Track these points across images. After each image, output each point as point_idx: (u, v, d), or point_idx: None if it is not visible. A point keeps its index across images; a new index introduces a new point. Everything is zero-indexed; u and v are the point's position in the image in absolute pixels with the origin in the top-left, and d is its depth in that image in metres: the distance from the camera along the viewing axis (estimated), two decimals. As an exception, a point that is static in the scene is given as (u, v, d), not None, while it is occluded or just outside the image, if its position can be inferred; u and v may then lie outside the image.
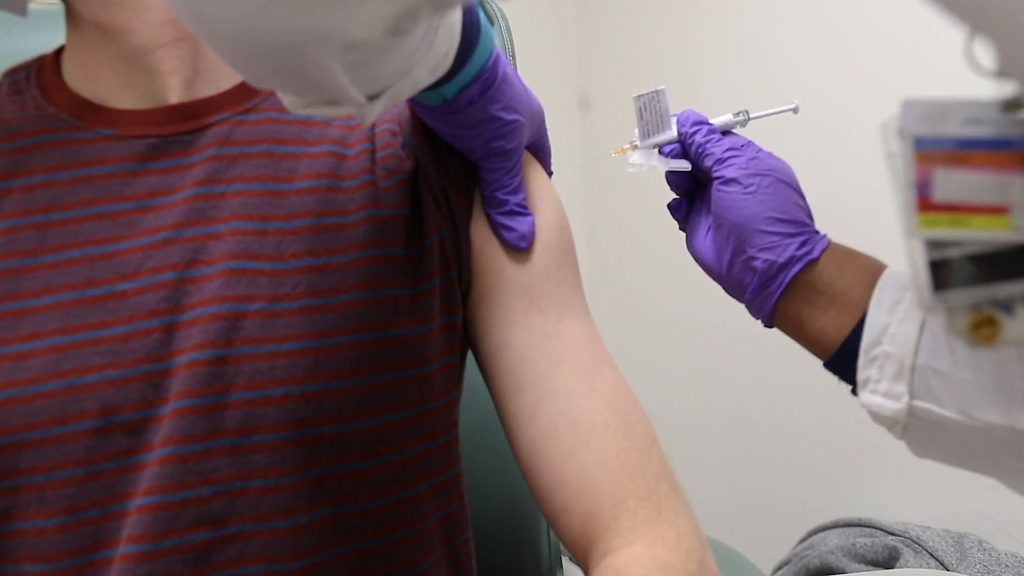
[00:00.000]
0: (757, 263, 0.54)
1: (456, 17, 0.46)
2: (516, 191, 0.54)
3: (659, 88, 0.60)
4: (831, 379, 0.55)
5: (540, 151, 0.59)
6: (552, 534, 0.86)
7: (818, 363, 0.55)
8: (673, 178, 0.63)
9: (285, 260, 0.48)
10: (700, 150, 0.58)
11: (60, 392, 0.44)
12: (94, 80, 0.53)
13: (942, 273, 0.37)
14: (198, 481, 0.44)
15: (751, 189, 0.54)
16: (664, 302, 1.66)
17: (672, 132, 0.60)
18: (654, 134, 0.61)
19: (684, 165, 0.60)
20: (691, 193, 0.63)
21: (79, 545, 0.44)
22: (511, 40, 0.84)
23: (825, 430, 1.38)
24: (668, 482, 0.50)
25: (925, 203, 0.36)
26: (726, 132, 0.60)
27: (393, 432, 0.49)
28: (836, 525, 1.25)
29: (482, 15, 0.50)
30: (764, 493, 1.52)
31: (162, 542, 0.44)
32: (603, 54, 1.81)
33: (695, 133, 0.58)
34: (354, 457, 0.48)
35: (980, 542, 1.10)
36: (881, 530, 1.18)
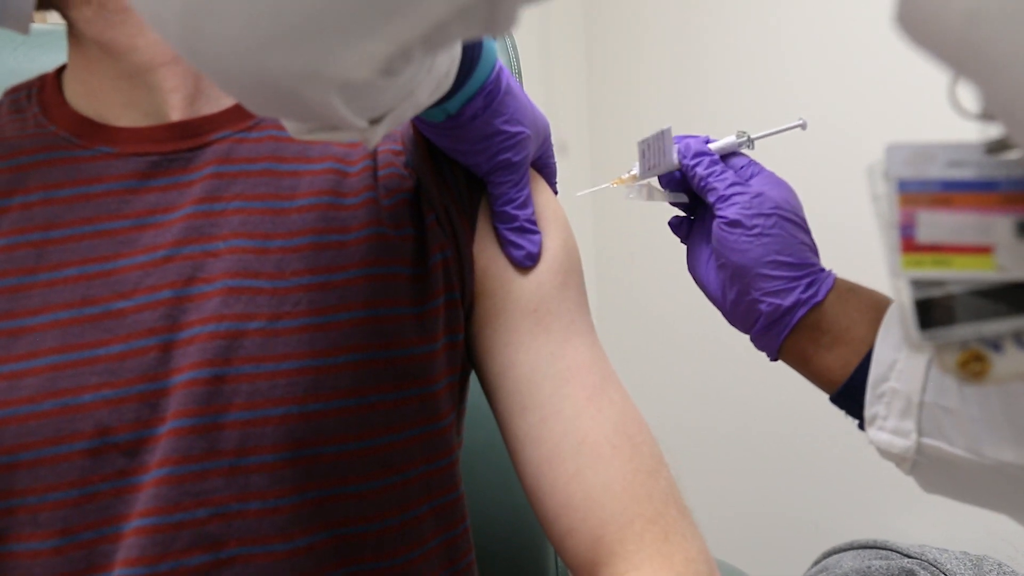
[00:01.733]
0: (762, 306, 0.54)
1: None
2: (525, 205, 0.54)
3: (664, 128, 0.59)
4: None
5: (545, 168, 0.59)
6: (559, 558, 0.84)
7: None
8: (673, 200, 0.62)
9: (286, 278, 0.48)
10: (702, 184, 0.57)
11: (55, 412, 0.44)
12: (95, 98, 0.53)
13: (928, 312, 0.38)
14: (195, 503, 0.44)
15: (755, 231, 0.53)
16: (672, 321, 1.65)
17: (673, 161, 0.59)
18: (655, 167, 0.60)
19: (682, 198, 0.60)
20: (692, 210, 0.63)
21: (73, 568, 0.43)
22: (517, 59, 0.84)
23: (838, 449, 1.36)
24: (676, 505, 0.49)
25: (909, 244, 0.38)
26: (727, 156, 0.59)
27: (394, 453, 0.48)
28: (851, 547, 1.23)
29: None
30: (776, 514, 1.50)
31: (158, 565, 0.43)
32: (611, 73, 1.81)
33: (696, 165, 0.57)
34: (354, 479, 0.47)
35: (1000, 565, 1.08)
36: (897, 552, 1.16)
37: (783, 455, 1.48)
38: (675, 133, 0.59)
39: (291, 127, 0.41)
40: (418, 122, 0.53)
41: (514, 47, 0.84)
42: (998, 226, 0.37)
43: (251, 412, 0.45)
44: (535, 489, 0.50)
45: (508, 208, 0.53)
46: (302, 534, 0.45)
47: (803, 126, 0.59)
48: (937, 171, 0.38)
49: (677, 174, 0.60)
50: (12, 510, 0.44)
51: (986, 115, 0.34)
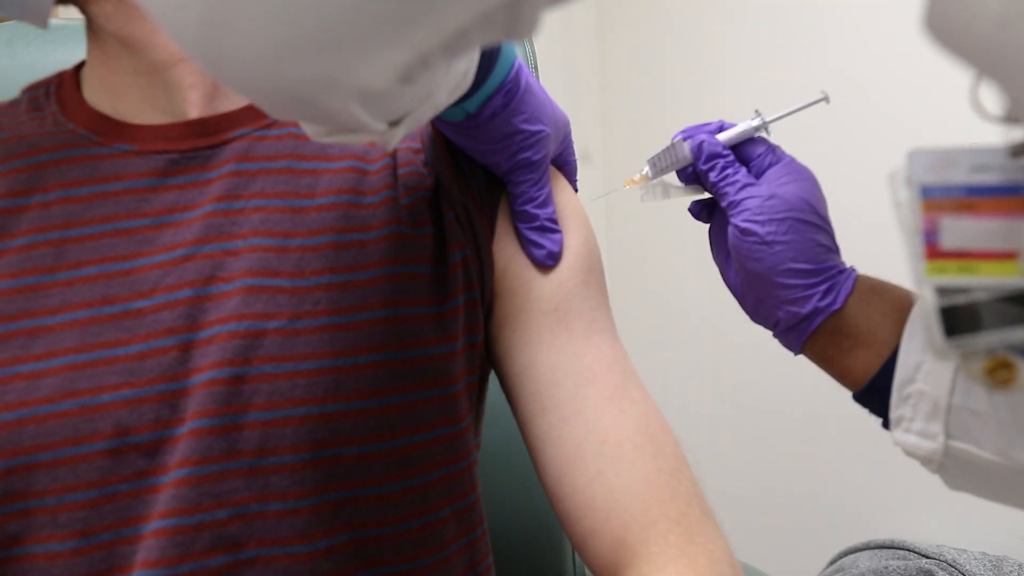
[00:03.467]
0: (780, 314, 0.53)
1: None
2: (545, 204, 0.53)
3: (673, 141, 0.58)
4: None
5: (565, 165, 0.58)
6: (578, 559, 0.84)
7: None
8: (692, 194, 0.61)
9: (305, 277, 0.47)
10: (715, 189, 0.56)
11: (74, 412, 0.43)
12: (114, 95, 0.53)
13: (953, 319, 0.38)
14: (215, 504, 0.43)
15: (769, 238, 0.52)
16: (685, 322, 1.64)
17: (686, 156, 0.57)
18: (668, 167, 0.59)
19: (700, 192, 0.59)
20: (713, 201, 0.61)
21: (92, 570, 0.43)
22: (534, 55, 0.84)
23: (855, 449, 1.35)
24: (699, 505, 0.48)
25: (933, 251, 0.38)
26: (743, 143, 0.57)
27: (415, 455, 0.48)
28: (867, 547, 1.22)
29: None
30: (792, 513, 1.49)
31: (178, 567, 0.42)
32: (625, 77, 1.81)
33: (710, 170, 0.56)
34: (374, 480, 0.46)
35: (1020, 566, 1.07)
36: (915, 552, 1.15)
37: (799, 454, 1.47)
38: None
39: (309, 129, 0.40)
40: (437, 121, 0.53)
41: (531, 42, 0.84)
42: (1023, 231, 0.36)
43: (271, 412, 0.44)
44: (556, 490, 0.50)
45: (528, 207, 0.53)
46: (322, 535, 0.45)
47: (826, 100, 0.57)
48: (961, 176, 0.38)
49: (691, 168, 0.58)
50: (31, 511, 0.43)
51: (1010, 118, 0.34)
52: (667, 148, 0.59)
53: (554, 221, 0.53)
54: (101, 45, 0.53)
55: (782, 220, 0.52)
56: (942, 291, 0.37)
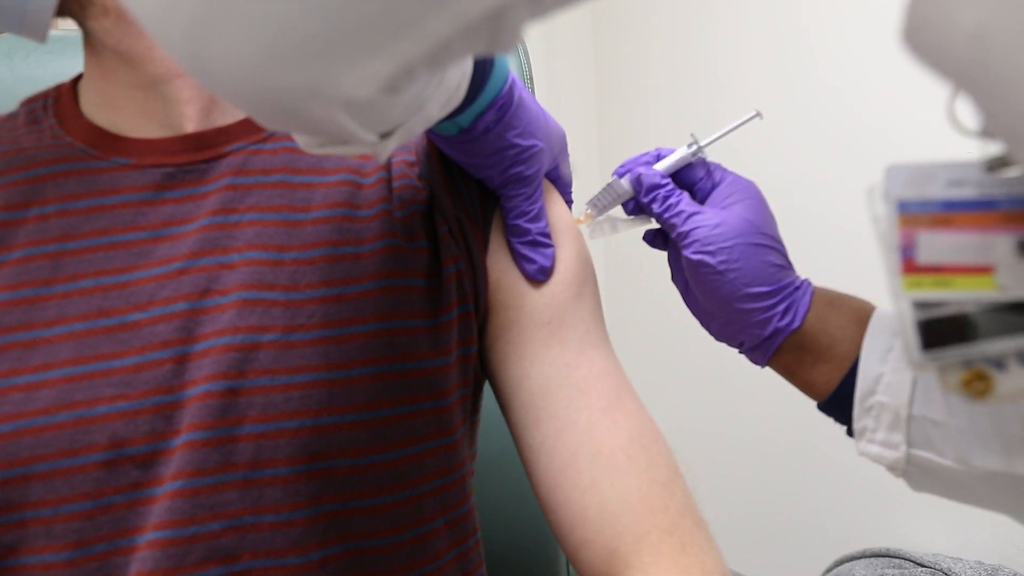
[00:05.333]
0: (743, 336, 0.55)
1: None
2: (538, 218, 0.53)
3: (609, 182, 0.59)
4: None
5: (559, 180, 0.58)
6: (571, 568, 0.84)
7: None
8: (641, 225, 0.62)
9: (300, 290, 0.48)
10: (662, 220, 0.56)
11: (70, 424, 0.44)
12: (111, 108, 0.53)
13: (930, 332, 0.38)
14: (209, 516, 0.43)
15: (721, 268, 0.53)
16: (681, 329, 1.63)
17: (626, 190, 0.58)
18: (609, 204, 0.60)
19: (648, 223, 0.59)
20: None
21: None
22: (529, 64, 0.84)
23: (849, 457, 1.34)
24: (692, 516, 0.48)
25: (910, 265, 0.38)
26: (677, 173, 0.58)
27: (409, 467, 0.48)
28: (863, 556, 1.21)
29: None
30: (787, 522, 1.48)
31: None
32: (620, 87, 1.81)
33: (651, 202, 0.56)
34: (368, 493, 0.46)
35: (1016, 575, 1.07)
36: (911, 561, 1.15)
37: (794, 463, 1.47)
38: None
39: (301, 140, 0.40)
40: (431, 134, 0.53)
41: (526, 54, 0.84)
42: (999, 245, 0.37)
43: (265, 425, 0.44)
44: (550, 500, 0.50)
45: (520, 221, 0.53)
46: (316, 547, 0.45)
47: (759, 116, 0.57)
48: (937, 191, 0.38)
49: (633, 202, 0.59)
50: (25, 522, 0.43)
51: (986, 133, 0.34)
52: (605, 187, 0.60)
53: (546, 235, 0.53)
54: (99, 59, 0.53)
55: (732, 247, 0.53)
56: (919, 305, 0.38)
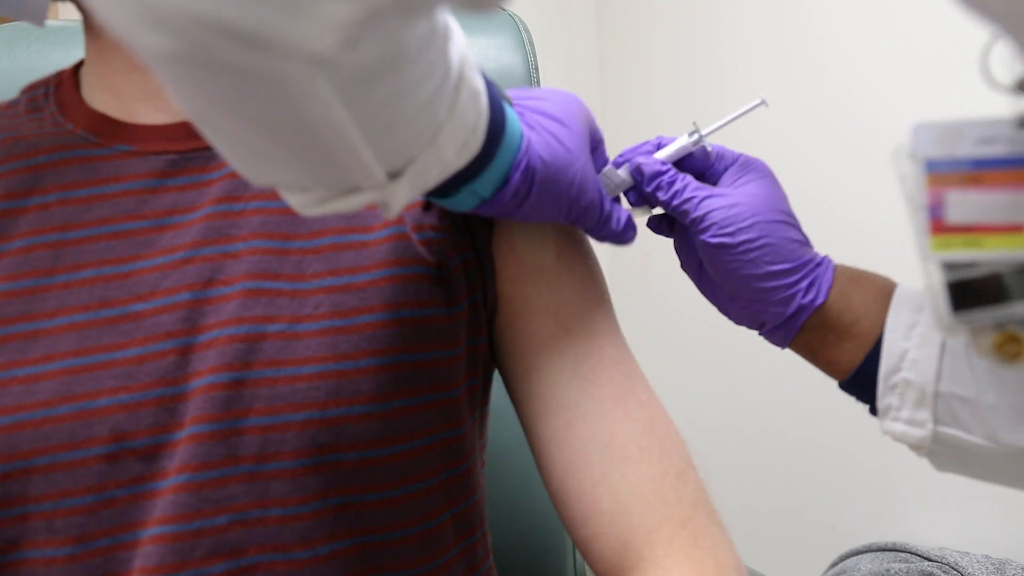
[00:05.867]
0: (766, 316, 0.53)
1: (479, 85, 0.41)
2: (606, 223, 0.51)
3: (604, 169, 0.56)
4: (862, 398, 0.54)
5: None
6: (579, 560, 0.83)
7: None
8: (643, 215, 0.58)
9: (306, 280, 0.47)
10: (672, 208, 0.53)
11: (71, 416, 0.43)
12: (113, 94, 0.52)
13: (960, 294, 0.37)
14: (214, 509, 0.43)
15: (741, 249, 0.51)
16: (688, 321, 1.63)
17: (625, 180, 0.54)
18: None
19: (649, 212, 0.57)
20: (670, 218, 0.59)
21: None
22: (534, 54, 0.83)
23: (856, 451, 1.35)
24: (705, 508, 0.48)
25: (938, 225, 0.37)
26: (679, 162, 0.55)
27: (416, 460, 0.47)
28: (869, 550, 1.21)
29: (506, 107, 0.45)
30: (793, 516, 1.48)
31: (178, 573, 0.42)
32: (624, 78, 1.80)
33: (657, 191, 0.53)
34: (376, 485, 0.46)
35: (1023, 570, 1.07)
36: (916, 555, 1.14)
37: (799, 457, 1.46)
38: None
39: (295, 201, 0.38)
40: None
41: (531, 44, 0.83)
42: None
43: (271, 417, 0.44)
44: (561, 493, 0.49)
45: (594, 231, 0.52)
46: (323, 541, 0.44)
47: (764, 104, 0.55)
48: (967, 149, 0.37)
49: (633, 192, 0.55)
50: (27, 516, 0.43)
51: (1020, 87, 0.33)
52: (599, 177, 0.55)
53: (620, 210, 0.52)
54: (99, 44, 0.52)
55: (751, 226, 0.51)
56: (948, 266, 0.37)
